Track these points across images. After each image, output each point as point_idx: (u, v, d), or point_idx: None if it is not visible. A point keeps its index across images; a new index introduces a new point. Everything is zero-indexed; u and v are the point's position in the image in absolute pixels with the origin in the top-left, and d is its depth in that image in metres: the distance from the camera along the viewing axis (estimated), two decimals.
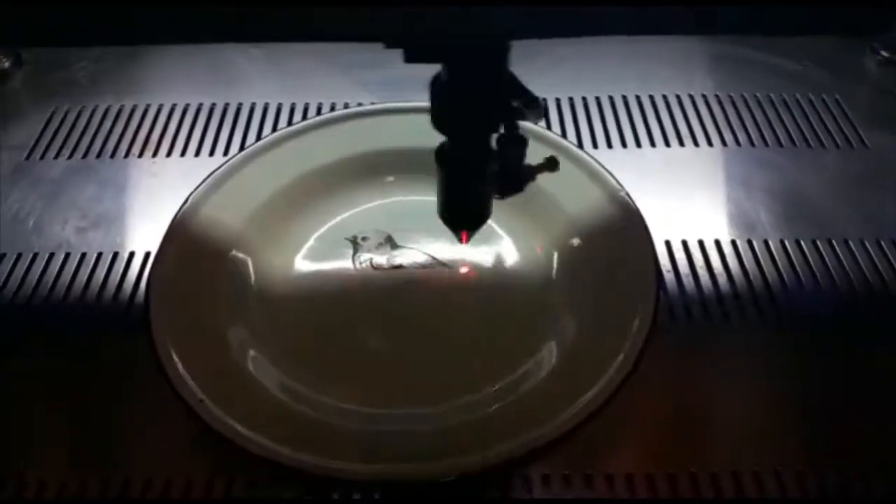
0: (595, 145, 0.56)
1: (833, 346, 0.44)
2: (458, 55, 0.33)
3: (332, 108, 0.59)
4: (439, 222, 0.50)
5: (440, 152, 0.37)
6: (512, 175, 0.40)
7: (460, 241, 0.46)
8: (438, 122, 0.35)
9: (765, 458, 0.39)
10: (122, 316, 0.46)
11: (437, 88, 0.34)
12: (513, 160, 0.39)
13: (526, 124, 0.52)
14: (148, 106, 0.60)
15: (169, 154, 0.57)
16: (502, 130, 0.37)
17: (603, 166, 0.49)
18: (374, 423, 0.40)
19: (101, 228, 0.51)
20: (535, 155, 0.50)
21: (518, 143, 0.38)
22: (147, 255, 0.49)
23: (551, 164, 0.43)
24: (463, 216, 0.41)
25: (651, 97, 0.60)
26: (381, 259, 0.49)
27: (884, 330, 0.45)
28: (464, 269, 0.48)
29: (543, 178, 0.49)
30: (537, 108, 0.38)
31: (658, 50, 0.65)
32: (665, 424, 0.41)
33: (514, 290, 0.47)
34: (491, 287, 0.47)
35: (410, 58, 0.32)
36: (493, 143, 0.37)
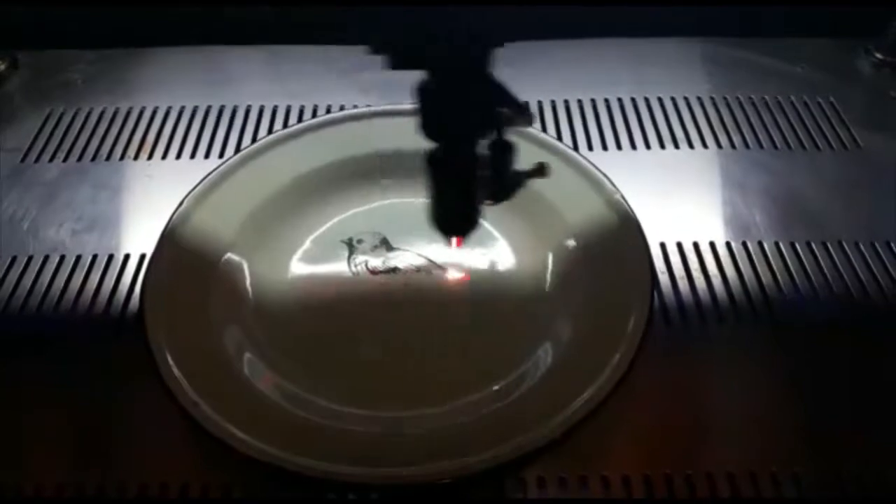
0: (590, 147, 0.56)
1: (828, 348, 0.44)
2: (442, 62, 0.33)
3: (328, 111, 0.58)
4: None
5: (431, 158, 0.37)
6: (502, 181, 0.40)
7: (454, 246, 0.46)
8: (427, 130, 0.35)
9: (760, 460, 0.40)
10: (118, 318, 0.46)
11: (423, 95, 0.34)
12: (502, 166, 0.39)
13: (527, 128, 0.52)
14: (143, 108, 0.60)
15: (164, 156, 0.57)
16: (491, 136, 0.37)
17: (598, 169, 0.49)
18: (369, 425, 0.40)
19: (97, 231, 0.51)
20: (531, 157, 0.50)
21: (506, 149, 0.38)
22: (142, 257, 0.49)
23: (541, 170, 0.43)
24: (455, 223, 0.40)
25: (646, 99, 0.60)
26: (376, 261, 0.49)
27: (878, 331, 0.45)
28: (459, 272, 0.48)
29: (538, 181, 0.49)
30: (526, 114, 0.38)
31: (652, 52, 0.65)
32: (660, 426, 0.41)
33: (509, 291, 0.47)
34: (486, 289, 0.47)
35: (396, 64, 0.32)
36: (484, 149, 0.37)
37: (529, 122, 0.40)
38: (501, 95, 0.36)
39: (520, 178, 0.41)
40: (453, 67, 0.33)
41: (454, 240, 0.45)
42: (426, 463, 0.37)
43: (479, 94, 0.35)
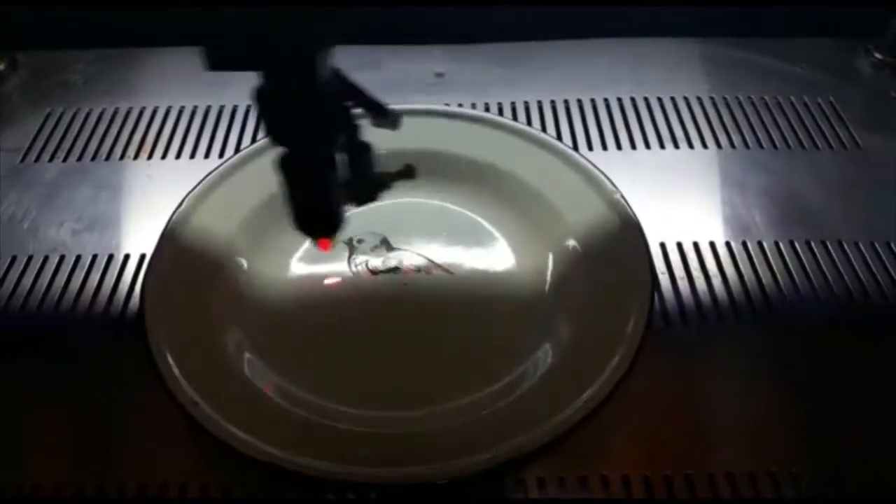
0: (590, 147, 0.56)
1: (827, 348, 0.44)
2: (267, 62, 0.31)
3: None
4: (435, 224, 0.50)
5: (282, 163, 0.35)
6: (364, 182, 0.39)
7: (320, 249, 0.45)
8: (272, 133, 0.34)
9: (760, 460, 0.40)
10: (118, 318, 0.46)
11: (261, 99, 0.32)
12: (360, 167, 0.38)
13: (526, 128, 0.53)
14: (143, 108, 0.60)
15: (164, 156, 0.57)
16: (344, 138, 0.36)
17: (598, 168, 0.49)
18: (369, 425, 0.40)
19: (96, 231, 0.51)
20: (531, 157, 0.50)
21: (362, 150, 0.37)
22: (142, 257, 0.49)
23: (408, 172, 0.43)
24: (315, 225, 0.39)
25: (645, 99, 0.60)
26: (376, 261, 0.49)
27: (878, 331, 0.45)
28: (459, 272, 0.48)
29: (539, 181, 0.50)
30: (387, 116, 0.37)
31: (652, 52, 0.65)
32: (660, 426, 0.41)
33: (509, 292, 0.47)
34: (486, 289, 0.47)
35: (214, 64, 0.31)
36: (341, 151, 0.36)
37: (395, 124, 0.39)
38: (353, 97, 0.35)
39: (384, 179, 0.41)
40: (278, 69, 0.31)
41: (319, 242, 0.44)
42: (426, 463, 0.37)
43: (317, 96, 0.33)
